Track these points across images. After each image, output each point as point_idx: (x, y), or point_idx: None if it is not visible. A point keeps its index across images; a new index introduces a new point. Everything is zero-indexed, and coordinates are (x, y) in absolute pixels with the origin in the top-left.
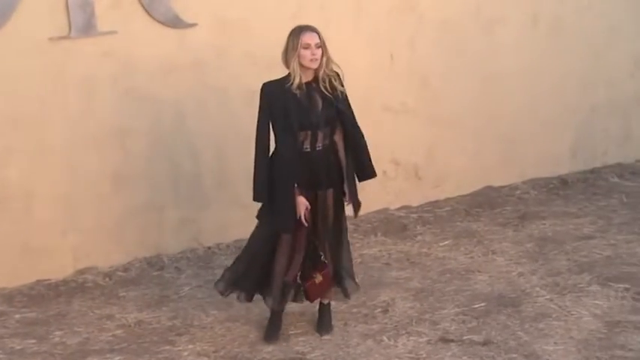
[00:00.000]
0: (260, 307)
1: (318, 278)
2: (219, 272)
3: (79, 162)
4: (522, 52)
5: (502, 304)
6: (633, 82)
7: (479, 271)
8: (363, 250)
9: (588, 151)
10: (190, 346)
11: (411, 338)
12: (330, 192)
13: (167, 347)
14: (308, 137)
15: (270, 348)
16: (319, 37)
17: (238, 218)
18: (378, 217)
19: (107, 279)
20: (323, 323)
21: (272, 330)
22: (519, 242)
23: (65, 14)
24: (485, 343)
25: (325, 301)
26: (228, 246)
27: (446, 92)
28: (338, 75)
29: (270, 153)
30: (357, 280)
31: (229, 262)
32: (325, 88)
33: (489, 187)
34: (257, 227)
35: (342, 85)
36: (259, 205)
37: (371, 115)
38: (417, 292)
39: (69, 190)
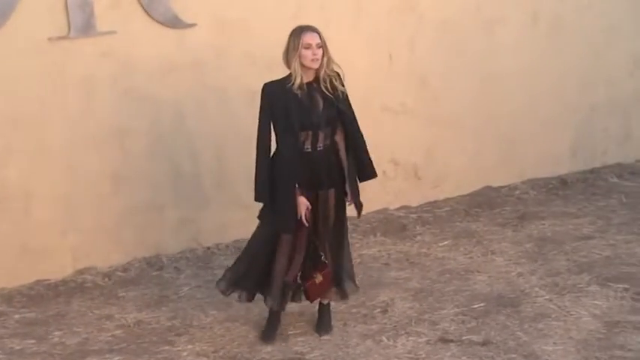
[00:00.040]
0: (260, 307)
1: (319, 278)
2: (218, 272)
3: (78, 162)
4: (522, 51)
5: (501, 305)
6: (633, 82)
7: (478, 272)
8: (363, 251)
9: (588, 151)
10: (189, 347)
11: (410, 338)
12: (332, 192)
13: (166, 347)
14: (309, 137)
15: (269, 348)
16: (320, 37)
17: (238, 218)
18: (377, 217)
19: (106, 279)
20: (322, 323)
21: (270, 330)
22: (519, 242)
23: (64, 14)
24: (484, 344)
25: (325, 302)
26: (227, 246)
27: (445, 92)
28: (339, 75)
29: (272, 153)
30: (356, 282)
31: (228, 262)
32: (326, 88)
33: (489, 187)
34: (258, 227)
35: (343, 85)
36: (259, 205)
37: (370, 115)
38: (416, 292)
39: (68, 190)
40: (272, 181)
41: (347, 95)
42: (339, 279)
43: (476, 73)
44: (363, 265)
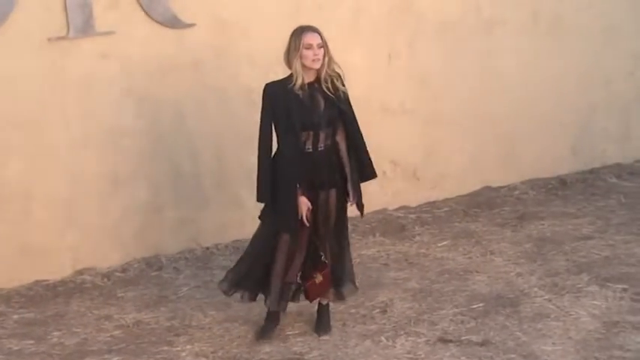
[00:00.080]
0: (260, 308)
1: (319, 278)
2: (217, 273)
3: (77, 162)
4: (522, 51)
5: (500, 305)
6: (633, 81)
7: (477, 272)
8: (362, 251)
9: (587, 151)
10: (189, 347)
11: (409, 339)
12: (333, 192)
13: (165, 348)
14: (310, 137)
15: (268, 348)
16: (321, 37)
17: (237, 219)
18: (376, 217)
19: (105, 279)
20: (321, 323)
21: (266, 329)
22: (518, 242)
23: (64, 14)
24: (483, 344)
25: (324, 302)
26: (226, 246)
27: (445, 92)
28: (340, 75)
29: (273, 153)
30: (356, 282)
31: (228, 262)
32: (327, 88)
33: (488, 188)
34: (260, 227)
35: (344, 86)
36: (259, 205)
37: (369, 115)
38: (415, 292)
39: (67, 190)
40: (273, 181)
41: (348, 95)
42: (339, 280)
43: (476, 74)
44: (362, 265)
